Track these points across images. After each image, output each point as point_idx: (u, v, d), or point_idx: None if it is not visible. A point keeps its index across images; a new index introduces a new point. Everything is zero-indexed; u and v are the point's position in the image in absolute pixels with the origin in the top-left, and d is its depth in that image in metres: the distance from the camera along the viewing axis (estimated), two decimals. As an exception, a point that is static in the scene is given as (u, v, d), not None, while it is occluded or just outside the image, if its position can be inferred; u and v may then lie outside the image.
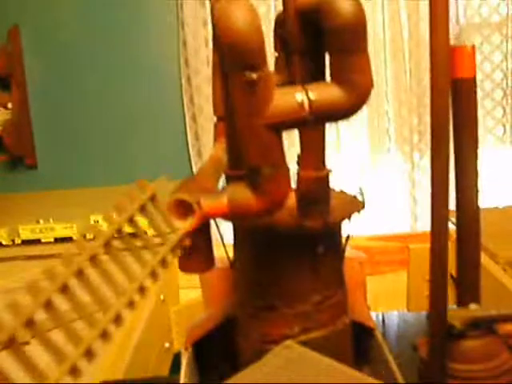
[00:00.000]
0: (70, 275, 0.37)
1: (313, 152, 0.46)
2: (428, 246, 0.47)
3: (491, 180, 1.98)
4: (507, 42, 1.89)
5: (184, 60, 1.83)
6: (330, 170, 0.47)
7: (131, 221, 0.41)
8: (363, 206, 0.51)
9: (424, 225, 1.87)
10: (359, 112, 0.41)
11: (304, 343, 0.50)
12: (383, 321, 1.29)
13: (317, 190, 0.46)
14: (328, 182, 0.47)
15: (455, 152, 0.50)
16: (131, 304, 0.39)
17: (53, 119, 2.06)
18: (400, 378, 0.51)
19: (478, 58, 1.93)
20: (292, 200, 0.48)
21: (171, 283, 1.17)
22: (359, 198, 0.51)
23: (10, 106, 1.95)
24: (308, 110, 0.39)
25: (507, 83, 1.99)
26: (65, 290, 0.37)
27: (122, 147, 1.99)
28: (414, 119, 1.84)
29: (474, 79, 0.49)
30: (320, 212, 0.46)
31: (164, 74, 1.88)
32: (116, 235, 0.40)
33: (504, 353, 0.51)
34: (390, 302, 1.29)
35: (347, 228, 0.52)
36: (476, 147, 0.51)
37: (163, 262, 0.41)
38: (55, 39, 1.93)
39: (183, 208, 0.43)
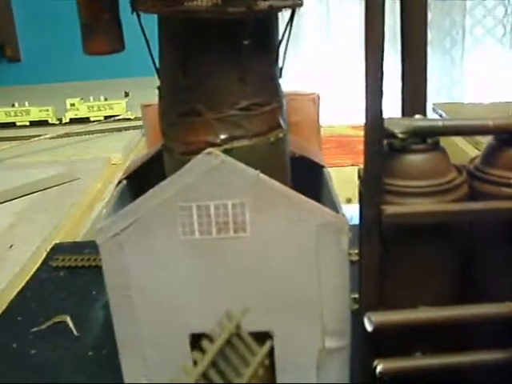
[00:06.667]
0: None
1: None
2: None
3: (486, 79, 1.92)
4: None
5: None
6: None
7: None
8: (301, 4, 0.46)
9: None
10: None
11: (229, 152, 0.45)
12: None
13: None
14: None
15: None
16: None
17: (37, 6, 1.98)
18: (341, 211, 0.47)
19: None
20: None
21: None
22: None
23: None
24: None
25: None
26: None
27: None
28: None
29: None
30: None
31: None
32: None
33: (451, 170, 0.46)
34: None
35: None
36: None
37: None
38: None
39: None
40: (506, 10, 1.91)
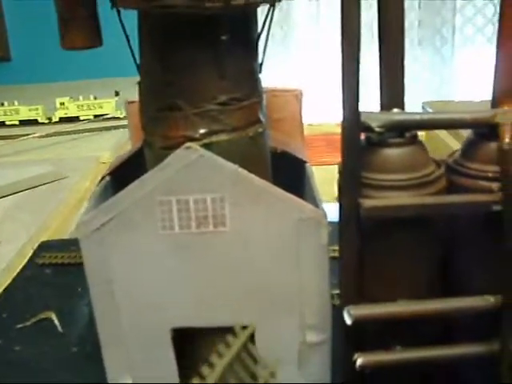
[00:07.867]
0: None
1: None
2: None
3: (476, 77, 1.92)
4: None
5: None
6: None
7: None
8: (279, -1, 0.46)
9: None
10: None
11: (208, 146, 0.46)
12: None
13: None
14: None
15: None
16: None
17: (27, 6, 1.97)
18: (321, 205, 0.47)
19: None
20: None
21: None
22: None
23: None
24: None
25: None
26: None
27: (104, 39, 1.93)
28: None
29: None
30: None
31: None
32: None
33: (429, 164, 0.46)
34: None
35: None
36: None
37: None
38: None
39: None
40: (496, 9, 1.92)
